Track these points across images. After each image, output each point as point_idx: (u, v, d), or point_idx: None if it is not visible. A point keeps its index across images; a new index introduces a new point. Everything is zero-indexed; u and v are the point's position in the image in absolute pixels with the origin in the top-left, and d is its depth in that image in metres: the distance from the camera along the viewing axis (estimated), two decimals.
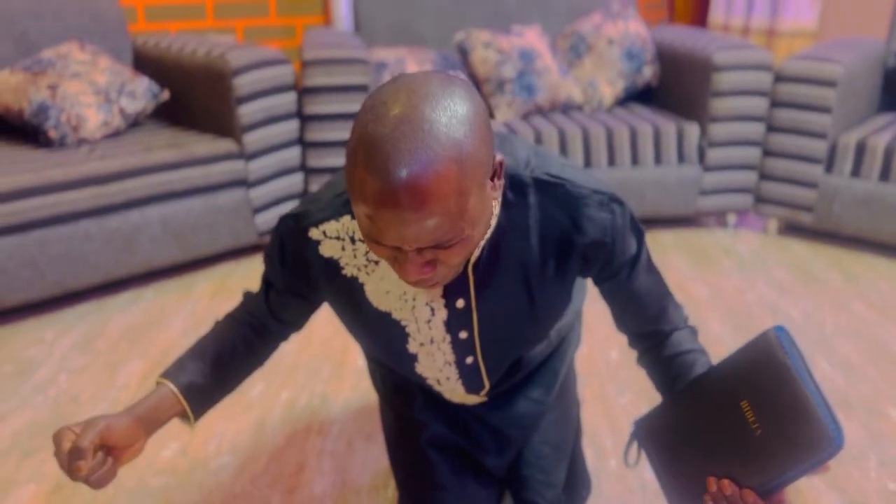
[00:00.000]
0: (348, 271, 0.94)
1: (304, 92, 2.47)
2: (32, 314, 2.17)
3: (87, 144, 2.28)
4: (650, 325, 1.03)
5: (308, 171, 2.57)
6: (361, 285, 0.94)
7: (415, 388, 1.22)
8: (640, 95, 3.05)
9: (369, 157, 0.68)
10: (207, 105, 2.45)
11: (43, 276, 2.06)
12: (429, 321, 0.96)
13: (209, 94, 2.42)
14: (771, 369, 0.80)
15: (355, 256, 0.93)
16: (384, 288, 0.94)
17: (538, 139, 2.60)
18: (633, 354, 1.99)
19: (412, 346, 1.00)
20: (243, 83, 2.33)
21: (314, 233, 0.92)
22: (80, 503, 1.45)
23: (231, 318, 1.05)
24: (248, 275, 2.45)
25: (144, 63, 2.67)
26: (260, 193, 2.46)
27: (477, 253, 0.89)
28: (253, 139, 2.39)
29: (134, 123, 2.50)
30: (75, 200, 2.07)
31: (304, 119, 2.50)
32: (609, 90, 2.89)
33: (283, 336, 1.08)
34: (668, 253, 2.66)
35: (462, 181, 0.69)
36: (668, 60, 2.91)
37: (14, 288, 2.02)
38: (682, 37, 2.89)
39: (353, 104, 2.48)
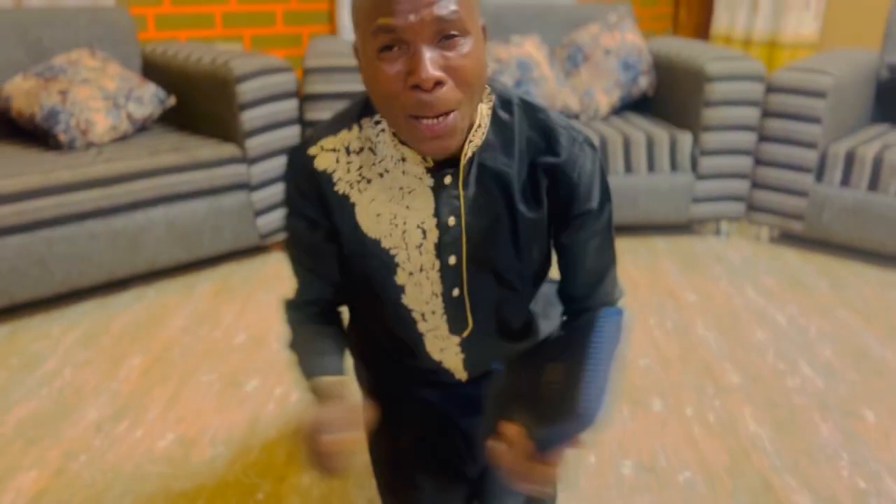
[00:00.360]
0: (340, 187, 0.97)
1: (305, 99, 2.55)
2: (40, 310, 2.25)
3: (95, 148, 2.37)
4: (582, 290, 1.08)
5: None
6: (352, 206, 0.98)
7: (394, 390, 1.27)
8: (637, 104, 3.11)
9: None
10: (212, 111, 2.53)
11: (50, 274, 2.14)
12: (420, 245, 0.98)
13: (213, 100, 2.50)
14: (579, 345, 0.88)
15: (348, 171, 0.97)
16: (375, 210, 0.97)
17: None
18: None
19: (401, 277, 1.02)
20: (246, 90, 2.41)
21: (313, 150, 0.98)
22: (80, 487, 1.53)
23: (300, 316, 1.11)
24: (250, 276, 2.52)
25: (152, 70, 2.76)
26: (261, 196, 2.53)
27: (468, 152, 0.93)
28: (255, 144, 2.47)
29: (141, 128, 2.59)
30: (82, 201, 2.15)
31: (306, 125, 2.58)
32: (605, 99, 2.95)
33: (340, 300, 1.13)
34: (660, 258, 2.72)
35: None
36: (664, 70, 2.97)
37: (23, 285, 2.10)
38: (677, 47, 2.95)
39: None
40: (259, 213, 2.54)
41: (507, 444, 0.88)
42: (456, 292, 1.04)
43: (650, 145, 2.71)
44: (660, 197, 2.77)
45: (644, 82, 2.99)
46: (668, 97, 2.95)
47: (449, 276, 1.02)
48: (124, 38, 2.76)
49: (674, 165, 2.75)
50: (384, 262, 1.01)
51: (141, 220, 2.28)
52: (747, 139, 2.72)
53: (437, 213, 0.96)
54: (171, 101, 2.61)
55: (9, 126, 2.46)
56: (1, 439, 1.66)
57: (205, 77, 2.51)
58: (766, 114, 2.69)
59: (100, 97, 2.42)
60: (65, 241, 2.14)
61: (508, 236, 1.00)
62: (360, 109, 0.98)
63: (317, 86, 2.52)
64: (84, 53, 2.55)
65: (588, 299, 1.09)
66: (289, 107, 2.54)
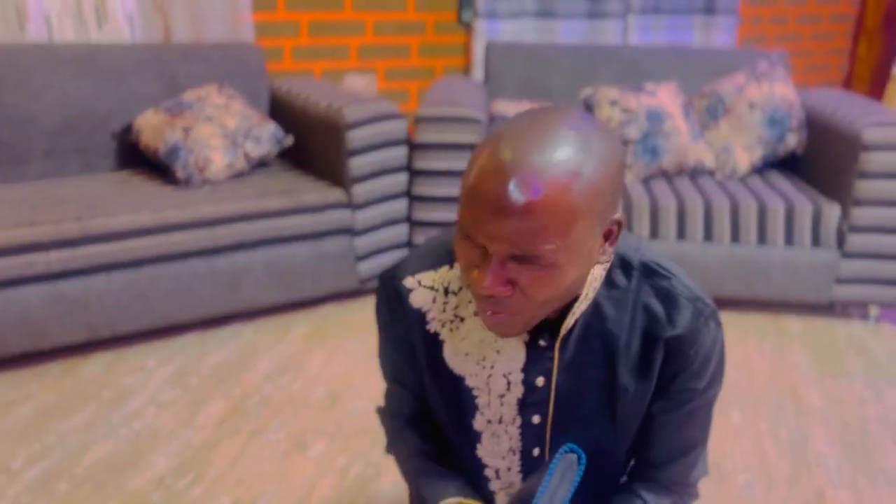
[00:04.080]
0: (432, 326, 0.93)
1: (414, 147, 2.49)
2: (139, 342, 2.34)
3: (210, 185, 2.44)
4: (658, 461, 0.96)
5: (413, 223, 2.60)
6: (441, 343, 0.93)
7: None
8: (783, 163, 2.81)
9: (490, 141, 0.71)
10: (324, 154, 2.54)
11: (151, 309, 2.22)
12: (502, 396, 0.92)
13: (326, 143, 2.51)
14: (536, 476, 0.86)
15: (444, 310, 0.92)
16: (464, 349, 0.92)
17: (654, 212, 2.45)
18: None
19: (478, 423, 0.96)
20: (356, 137, 2.39)
21: (409, 282, 0.93)
22: None
23: (396, 425, 1.08)
24: (345, 319, 2.51)
25: (279, 107, 2.82)
26: (364, 242, 2.51)
27: (570, 324, 0.86)
28: (362, 190, 2.45)
29: (259, 165, 2.64)
30: (187, 241, 2.22)
31: (413, 173, 2.53)
32: (745, 157, 2.68)
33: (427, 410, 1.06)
34: (789, 344, 2.42)
35: (573, 198, 0.68)
36: (817, 129, 2.65)
37: (125, 318, 2.19)
38: (835, 104, 2.62)
39: (461, 161, 2.47)
40: (360, 258, 2.52)
41: None
42: (536, 452, 0.96)
43: (789, 215, 2.42)
44: (797, 274, 2.47)
45: (792, 140, 2.68)
46: (818, 159, 2.63)
47: (530, 435, 0.94)
48: (254, 74, 2.83)
49: (816, 240, 2.43)
50: (466, 402, 0.95)
51: (243, 260, 2.32)
52: None
53: (525, 370, 0.89)
54: (289, 140, 2.64)
55: (138, 156, 2.60)
56: (73, 480, 1.73)
57: (320, 121, 2.52)
58: None
59: (220, 135, 2.49)
60: (168, 278, 2.22)
61: (605, 405, 0.91)
62: None
63: (427, 135, 2.45)
64: (212, 90, 2.64)
65: (660, 471, 0.97)
66: (398, 154, 2.49)
